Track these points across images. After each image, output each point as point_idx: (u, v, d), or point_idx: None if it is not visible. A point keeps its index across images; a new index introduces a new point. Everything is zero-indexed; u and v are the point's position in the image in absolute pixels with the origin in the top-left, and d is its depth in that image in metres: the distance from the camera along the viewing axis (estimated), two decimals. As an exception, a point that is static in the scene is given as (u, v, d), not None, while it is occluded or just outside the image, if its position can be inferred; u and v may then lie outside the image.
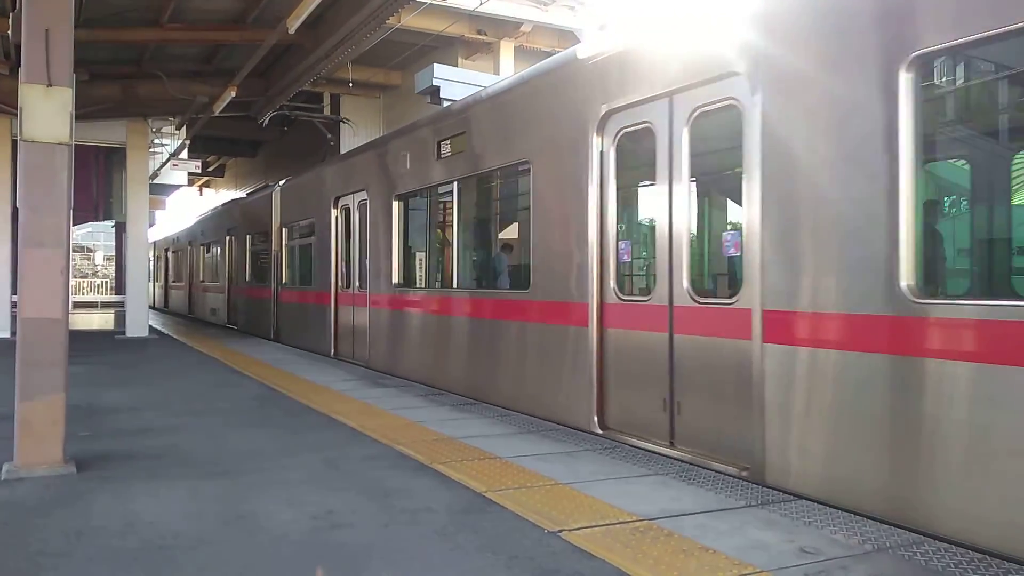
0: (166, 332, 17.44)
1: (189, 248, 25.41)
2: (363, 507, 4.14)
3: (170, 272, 30.17)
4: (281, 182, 15.38)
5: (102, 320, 23.72)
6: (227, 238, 19.47)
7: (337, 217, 11.93)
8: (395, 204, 9.73)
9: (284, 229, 14.81)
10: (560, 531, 3.70)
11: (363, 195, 10.79)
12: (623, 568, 3.25)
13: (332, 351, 11.91)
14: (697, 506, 4.12)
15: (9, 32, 9.56)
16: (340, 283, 11.83)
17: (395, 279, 9.76)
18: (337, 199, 11.91)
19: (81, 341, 14.43)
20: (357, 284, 11.10)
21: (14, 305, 12.41)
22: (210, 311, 21.60)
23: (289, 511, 4.06)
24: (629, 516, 3.94)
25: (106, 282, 46.81)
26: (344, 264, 11.77)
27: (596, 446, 5.57)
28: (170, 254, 29.86)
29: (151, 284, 32.93)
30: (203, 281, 23.20)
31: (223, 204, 22.84)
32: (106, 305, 33.21)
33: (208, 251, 22.57)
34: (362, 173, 10.97)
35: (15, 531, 3.74)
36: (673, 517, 3.92)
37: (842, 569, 3.25)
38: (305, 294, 13.54)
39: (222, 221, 20.48)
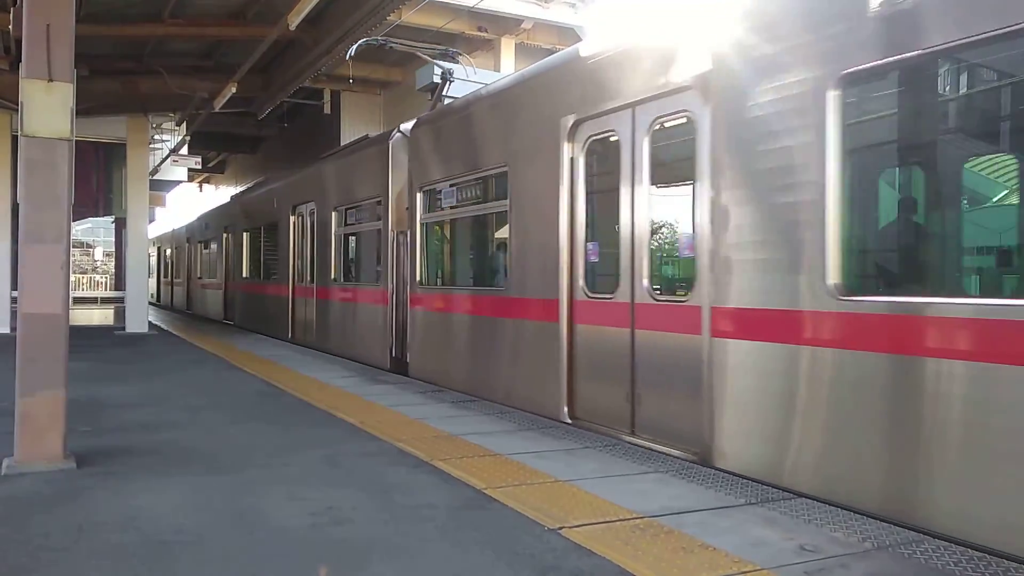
0: (166, 328, 17.45)
1: (225, 236, 19.80)
2: (363, 503, 4.15)
3: (193, 268, 24.61)
4: (405, 124, 10.09)
5: (102, 316, 23.75)
6: (291, 218, 14.17)
7: (574, 160, 6.49)
8: (831, 98, 4.22)
9: (420, 194, 9.27)
10: (560, 528, 3.70)
11: (683, 102, 5.35)
12: (623, 565, 3.25)
13: (567, 410, 6.52)
14: (698, 503, 4.12)
15: (10, 27, 9.54)
16: (584, 282, 6.41)
17: (833, 278, 4.26)
18: (576, 126, 6.44)
19: (81, 337, 14.44)
20: (647, 284, 5.71)
21: (14, 300, 12.45)
22: (259, 319, 16.49)
23: (290, 507, 4.07)
24: (629, 513, 3.94)
25: (106, 278, 46.88)
26: (598, 251, 6.48)
27: (597, 443, 5.57)
28: (193, 245, 24.24)
29: (167, 282, 31.00)
30: (248, 279, 17.62)
31: (287, 169, 17.19)
32: (106, 301, 33.24)
33: (255, 239, 17.16)
34: (679, 57, 5.36)
35: (16, 526, 3.74)
36: (674, 514, 3.92)
37: (842, 567, 3.26)
38: (483, 301, 8.07)
39: (282, 194, 15.06)
